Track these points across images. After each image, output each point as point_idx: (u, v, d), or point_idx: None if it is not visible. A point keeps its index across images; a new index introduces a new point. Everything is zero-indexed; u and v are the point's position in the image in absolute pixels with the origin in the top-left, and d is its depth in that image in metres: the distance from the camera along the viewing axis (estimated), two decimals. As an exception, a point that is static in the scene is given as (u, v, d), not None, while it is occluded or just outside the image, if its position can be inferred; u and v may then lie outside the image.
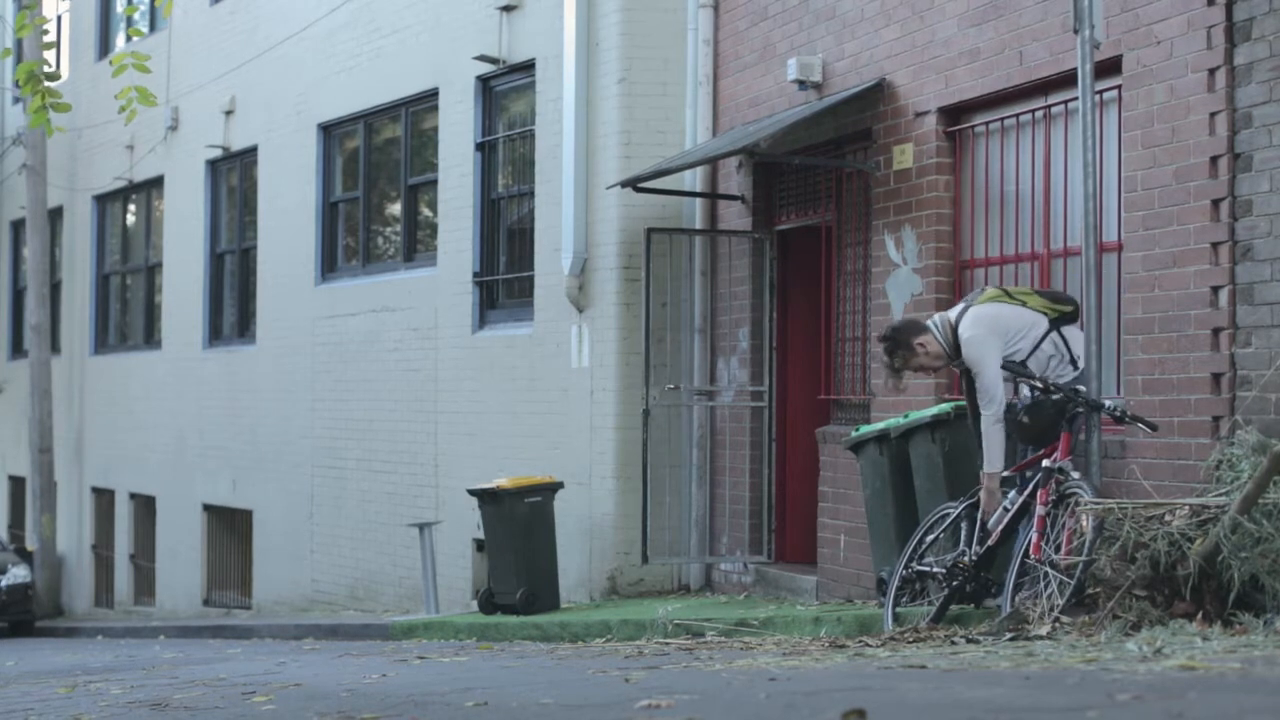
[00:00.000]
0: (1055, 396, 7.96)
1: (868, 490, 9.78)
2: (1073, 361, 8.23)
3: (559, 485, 12.38)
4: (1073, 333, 8.32)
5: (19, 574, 20.03)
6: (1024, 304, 8.29)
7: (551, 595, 12.09)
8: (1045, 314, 8.27)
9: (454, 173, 14.81)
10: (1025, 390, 8.19)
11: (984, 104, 9.91)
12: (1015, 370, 8.06)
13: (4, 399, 25.42)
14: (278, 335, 17.99)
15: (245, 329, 19.18)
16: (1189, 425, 8.06)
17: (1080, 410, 7.89)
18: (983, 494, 8.20)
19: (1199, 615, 6.68)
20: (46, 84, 10.36)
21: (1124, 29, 8.50)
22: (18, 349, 25.39)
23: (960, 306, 8.41)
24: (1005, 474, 8.21)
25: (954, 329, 8.23)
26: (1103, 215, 8.49)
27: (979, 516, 8.30)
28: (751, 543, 12.34)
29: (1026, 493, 8.04)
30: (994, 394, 8.05)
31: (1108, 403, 7.99)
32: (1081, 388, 7.91)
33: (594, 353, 12.91)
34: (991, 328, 8.14)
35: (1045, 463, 7.92)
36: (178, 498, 20.17)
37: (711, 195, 12.69)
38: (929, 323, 8.42)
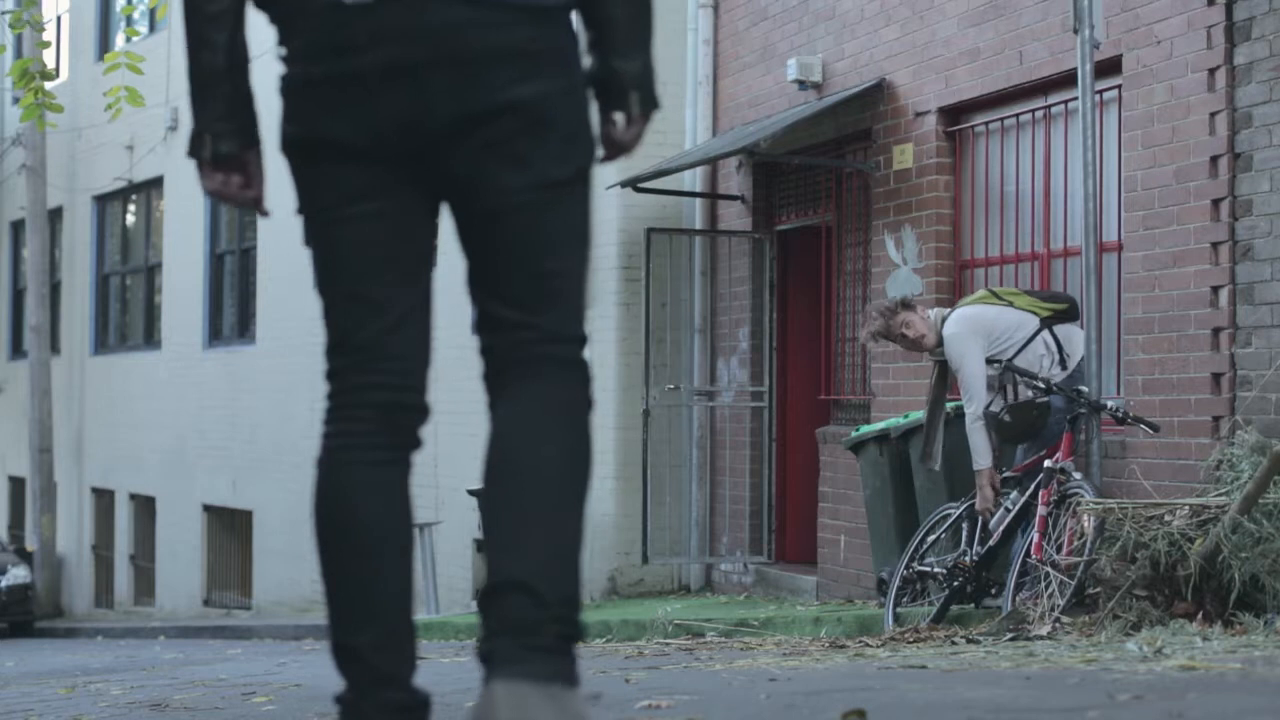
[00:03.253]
0: (1054, 396, 7.96)
1: (868, 490, 9.78)
2: (1062, 361, 8.23)
3: (559, 485, 12.37)
4: (1071, 331, 8.31)
5: (19, 574, 20.02)
6: (1010, 304, 8.31)
7: (551, 595, 12.07)
8: (1035, 313, 8.28)
9: (454, 173, 14.80)
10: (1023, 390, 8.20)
11: (984, 104, 9.92)
12: (1017, 371, 8.06)
13: (4, 399, 25.42)
14: (278, 335, 17.99)
15: (245, 329, 19.19)
16: (1189, 425, 8.07)
17: (1082, 411, 7.89)
18: (978, 493, 8.20)
19: (1199, 615, 6.67)
20: (41, 82, 10.36)
21: (1124, 29, 8.50)
22: (18, 349, 25.39)
23: (950, 310, 8.49)
24: (1007, 474, 8.22)
25: (942, 323, 8.32)
26: (1103, 215, 8.49)
27: (979, 516, 8.31)
28: (751, 543, 12.34)
29: (1028, 493, 8.04)
30: (974, 393, 8.08)
31: (1109, 403, 7.99)
32: (1084, 388, 7.91)
33: (594, 353, 12.90)
34: (974, 328, 8.19)
35: (1047, 463, 7.92)
36: (178, 498, 20.17)
37: (711, 195, 12.70)
38: (929, 310, 8.50)
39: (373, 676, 2.77)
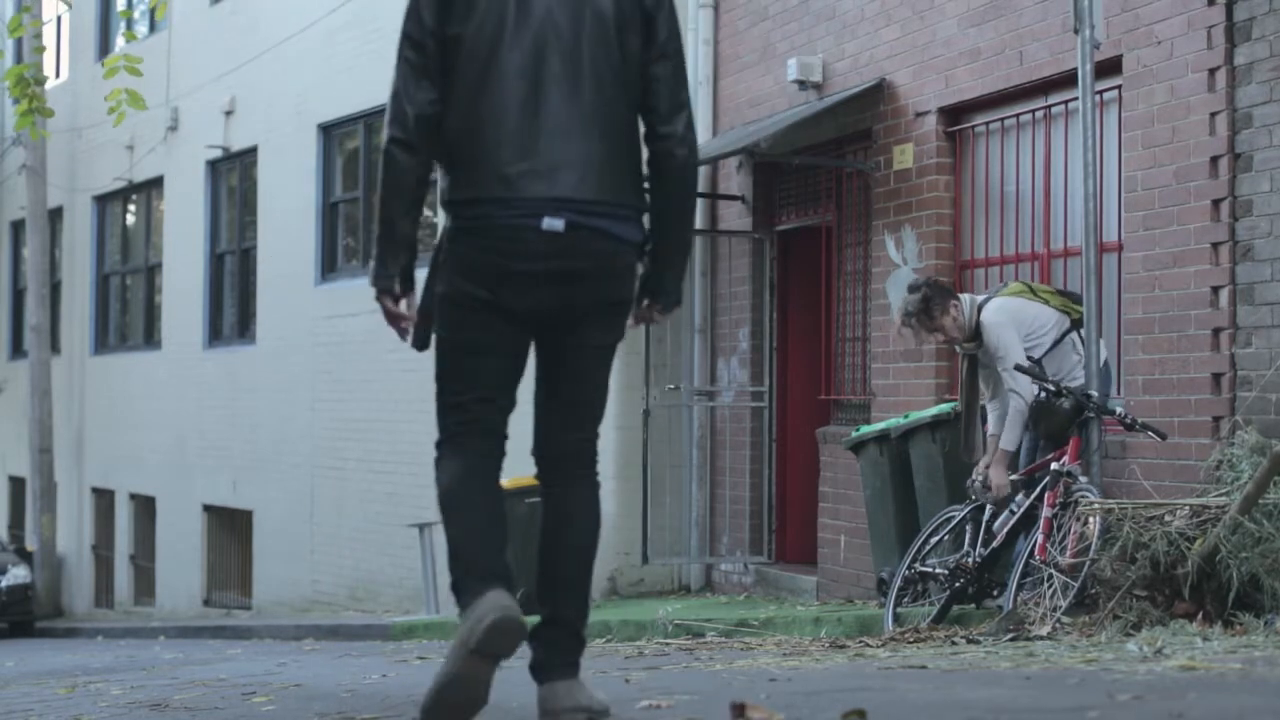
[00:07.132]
0: (1064, 400, 7.90)
1: (868, 490, 9.77)
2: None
3: (559, 485, 12.36)
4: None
5: (19, 574, 20.02)
6: (1046, 302, 8.28)
7: (551, 595, 12.06)
8: (1067, 314, 8.26)
9: (454, 173, 14.77)
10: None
11: (984, 104, 9.92)
12: (1030, 372, 8.02)
13: (4, 399, 25.42)
14: (278, 335, 17.99)
15: (245, 329, 19.18)
16: (1189, 425, 8.06)
17: (1091, 415, 7.86)
18: (993, 468, 8.08)
19: (1199, 615, 6.67)
20: (35, 88, 10.37)
21: (1124, 29, 8.50)
22: (18, 349, 25.39)
23: (984, 296, 8.38)
24: (1013, 477, 8.15)
25: (978, 312, 8.20)
26: (1103, 215, 8.49)
27: (984, 518, 8.29)
28: (751, 543, 12.34)
29: (1034, 495, 8.01)
30: (1021, 379, 7.97)
31: (1118, 408, 7.97)
32: (1093, 392, 7.89)
33: (594, 353, 12.87)
34: (1014, 318, 8.14)
35: (1054, 465, 7.90)
36: (178, 498, 20.16)
37: (711, 195, 12.69)
38: (964, 298, 8.38)
39: (490, 573, 4.04)
